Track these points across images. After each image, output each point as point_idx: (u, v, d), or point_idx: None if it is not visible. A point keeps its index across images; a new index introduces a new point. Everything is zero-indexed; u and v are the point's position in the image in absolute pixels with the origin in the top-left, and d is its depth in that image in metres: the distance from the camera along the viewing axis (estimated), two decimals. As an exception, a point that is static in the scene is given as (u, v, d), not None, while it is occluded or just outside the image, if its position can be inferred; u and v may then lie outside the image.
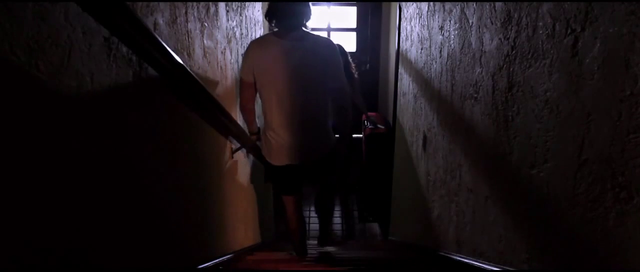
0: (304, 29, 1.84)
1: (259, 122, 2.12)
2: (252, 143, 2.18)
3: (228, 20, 1.99)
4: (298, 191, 2.19)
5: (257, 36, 3.15)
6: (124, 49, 0.90)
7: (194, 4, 1.41)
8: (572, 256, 0.93)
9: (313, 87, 1.85)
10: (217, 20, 1.75)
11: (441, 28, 1.92)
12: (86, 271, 0.77)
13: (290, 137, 1.89)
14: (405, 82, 2.99)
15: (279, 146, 1.91)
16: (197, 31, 1.44)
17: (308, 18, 1.85)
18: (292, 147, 1.90)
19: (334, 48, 1.87)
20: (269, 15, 1.82)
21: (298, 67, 1.79)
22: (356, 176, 4.14)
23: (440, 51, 1.94)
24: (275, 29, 1.83)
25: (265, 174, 2.43)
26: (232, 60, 2.10)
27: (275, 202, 4.07)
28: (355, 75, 3.71)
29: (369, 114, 4.06)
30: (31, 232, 0.64)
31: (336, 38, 4.97)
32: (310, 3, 1.86)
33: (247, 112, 1.99)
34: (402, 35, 3.09)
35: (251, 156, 2.59)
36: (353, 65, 3.51)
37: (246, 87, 1.88)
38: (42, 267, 0.66)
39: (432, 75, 2.11)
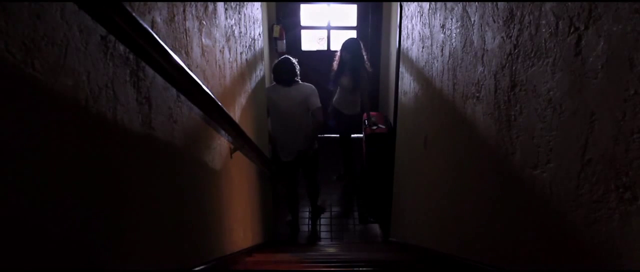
0: (295, 80, 3.31)
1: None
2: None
3: (227, 18, 1.98)
4: (294, 175, 3.69)
5: (256, 34, 3.19)
6: (121, 48, 0.89)
7: (193, 2, 1.40)
8: (575, 257, 0.92)
9: (299, 114, 3.32)
10: (215, 18, 1.75)
11: (443, 26, 1.91)
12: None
13: (287, 142, 3.41)
14: (407, 81, 2.98)
15: (281, 147, 3.46)
16: (196, 29, 1.43)
17: (296, 75, 3.30)
18: (288, 148, 3.43)
19: (313, 90, 3.31)
20: (275, 77, 3.35)
21: (292, 103, 3.29)
22: (352, 167, 4.36)
23: (442, 50, 1.93)
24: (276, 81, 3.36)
25: (272, 165, 3.54)
26: (230, 59, 2.10)
27: (275, 203, 4.07)
28: (368, 69, 3.79)
29: (371, 113, 4.04)
30: (28, 232, 0.63)
31: (337, 38, 4.96)
32: (296, 65, 3.31)
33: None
34: (403, 33, 3.08)
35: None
36: (368, 63, 3.68)
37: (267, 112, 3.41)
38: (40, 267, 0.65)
39: (434, 74, 2.10)
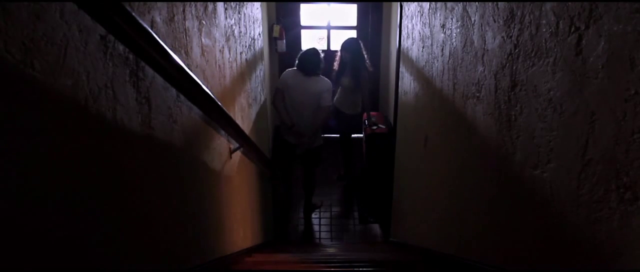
0: (316, 72, 3.41)
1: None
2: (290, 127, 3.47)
3: (226, 18, 1.98)
4: (293, 172, 3.97)
5: (256, 34, 3.20)
6: (121, 48, 0.89)
7: (192, 2, 1.40)
8: (576, 257, 0.92)
9: (309, 105, 3.40)
10: (215, 18, 1.74)
11: (443, 26, 1.90)
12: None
13: (297, 129, 3.43)
14: (407, 81, 2.98)
15: (290, 132, 3.49)
16: (195, 29, 1.43)
17: (319, 68, 3.41)
18: (297, 135, 3.48)
19: (329, 88, 3.43)
20: (299, 64, 3.41)
21: (305, 93, 3.38)
22: (352, 167, 4.35)
23: (442, 49, 1.92)
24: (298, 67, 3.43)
25: (280, 149, 3.81)
26: (230, 59, 2.09)
27: (275, 203, 4.07)
28: (369, 68, 3.79)
29: (371, 113, 4.04)
30: (28, 232, 0.63)
31: (337, 37, 4.95)
32: (322, 60, 3.42)
33: (280, 110, 3.46)
34: (403, 33, 3.08)
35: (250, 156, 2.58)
36: (368, 62, 3.67)
37: (279, 93, 3.44)
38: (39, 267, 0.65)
39: (434, 74, 2.10)
